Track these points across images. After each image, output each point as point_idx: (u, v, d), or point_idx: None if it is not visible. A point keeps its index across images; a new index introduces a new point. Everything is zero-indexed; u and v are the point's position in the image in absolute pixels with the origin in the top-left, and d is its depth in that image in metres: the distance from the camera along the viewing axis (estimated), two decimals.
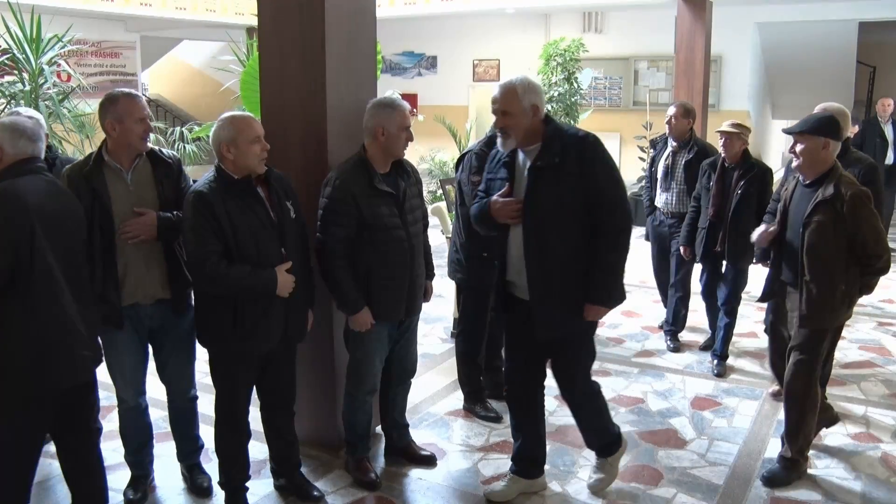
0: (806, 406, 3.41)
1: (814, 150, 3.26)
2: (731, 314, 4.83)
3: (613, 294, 3.09)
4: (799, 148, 3.30)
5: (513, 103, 2.99)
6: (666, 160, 5.22)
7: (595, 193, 2.97)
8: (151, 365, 3.28)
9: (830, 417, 3.87)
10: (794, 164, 3.36)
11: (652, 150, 5.61)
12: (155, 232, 2.97)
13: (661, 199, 5.27)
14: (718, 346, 4.87)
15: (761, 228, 3.62)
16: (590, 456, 3.71)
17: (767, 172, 4.63)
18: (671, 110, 5.19)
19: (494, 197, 3.09)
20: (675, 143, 5.19)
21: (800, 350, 3.39)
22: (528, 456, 3.36)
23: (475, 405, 4.19)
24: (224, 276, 2.80)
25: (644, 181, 5.80)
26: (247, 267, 2.84)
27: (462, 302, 4.20)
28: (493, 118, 3.10)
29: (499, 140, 3.09)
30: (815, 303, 3.28)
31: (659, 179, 5.27)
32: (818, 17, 11.45)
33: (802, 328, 3.35)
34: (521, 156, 3.10)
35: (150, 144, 3.08)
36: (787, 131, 3.42)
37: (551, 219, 2.98)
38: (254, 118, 2.97)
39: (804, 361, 3.37)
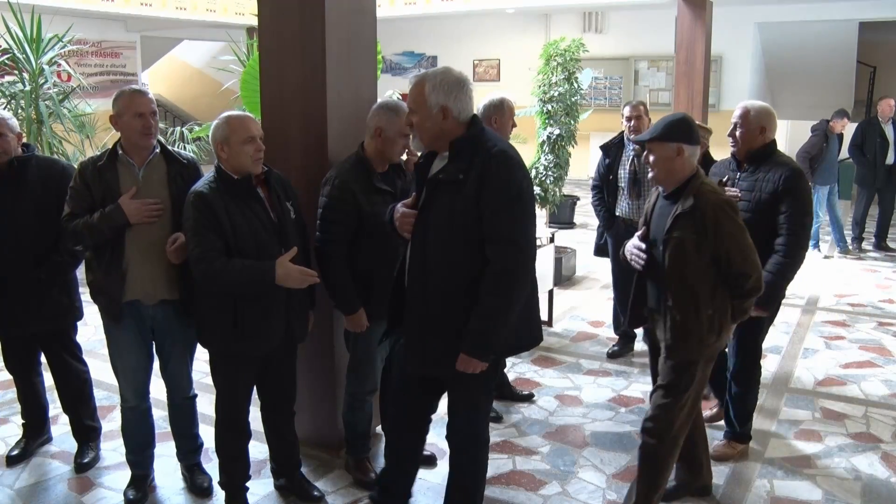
0: (663, 464, 3.01)
1: (666, 159, 2.89)
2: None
3: (490, 345, 2.58)
4: (651, 158, 2.93)
5: (418, 100, 2.61)
6: (630, 164, 4.76)
7: (487, 224, 2.52)
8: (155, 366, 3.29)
9: (701, 486, 3.35)
10: (650, 175, 3.02)
11: (605, 158, 4.93)
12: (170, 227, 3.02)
13: (626, 208, 4.79)
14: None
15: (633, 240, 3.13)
16: (590, 456, 3.71)
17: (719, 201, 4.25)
18: (629, 111, 4.85)
19: (399, 205, 2.81)
20: (637, 146, 4.66)
21: (663, 390, 2.98)
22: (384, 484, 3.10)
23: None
24: (221, 272, 2.80)
25: (593, 192, 5.04)
26: (244, 261, 2.83)
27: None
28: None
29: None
30: (679, 331, 2.88)
31: (624, 187, 4.78)
32: (818, 17, 11.46)
33: (668, 360, 2.95)
34: (436, 162, 2.72)
35: (153, 141, 3.07)
36: (636, 141, 3.14)
37: (440, 240, 2.59)
38: (250, 118, 2.95)
39: (666, 407, 2.95)
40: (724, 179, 3.56)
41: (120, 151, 3.05)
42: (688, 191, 2.87)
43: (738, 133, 3.53)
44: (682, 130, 2.91)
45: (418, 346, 2.70)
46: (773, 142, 3.53)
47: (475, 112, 2.68)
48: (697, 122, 3.80)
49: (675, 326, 2.90)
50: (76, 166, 3.12)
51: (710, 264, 2.84)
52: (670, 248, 2.87)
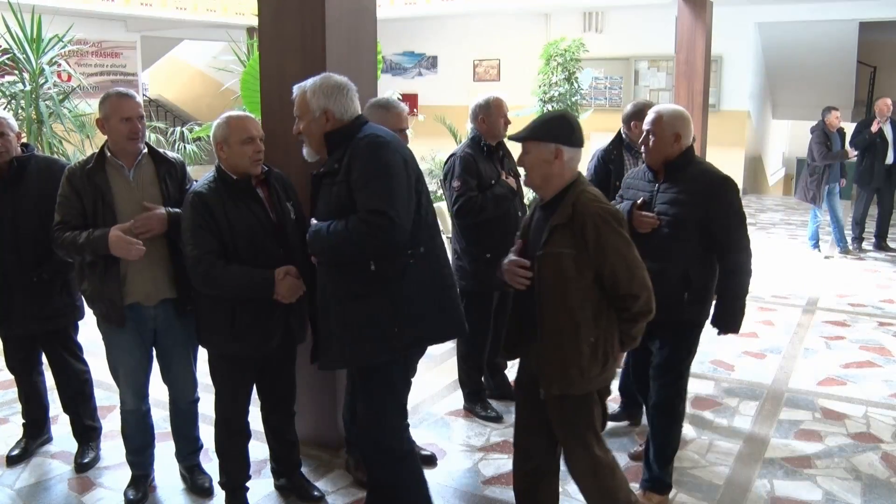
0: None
1: (543, 161, 2.53)
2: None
3: (348, 351, 2.66)
4: (526, 160, 2.59)
5: (301, 107, 2.74)
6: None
7: (357, 199, 2.57)
8: (155, 368, 3.28)
9: None
10: (523, 178, 2.76)
11: (605, 164, 4.26)
12: (165, 227, 2.98)
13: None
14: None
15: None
16: None
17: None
18: (631, 109, 4.25)
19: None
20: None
21: (561, 433, 2.65)
22: None
23: (475, 405, 4.19)
24: (219, 277, 2.80)
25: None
26: (243, 268, 2.82)
27: (465, 304, 4.14)
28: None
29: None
30: (556, 361, 2.53)
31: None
32: (818, 17, 11.46)
33: (548, 396, 2.60)
34: None
35: (141, 145, 3.05)
36: (512, 138, 2.68)
37: None
38: (251, 118, 2.95)
39: (575, 454, 2.66)
40: (639, 201, 3.17)
41: (108, 154, 3.03)
42: (566, 200, 2.52)
43: (650, 141, 3.14)
44: (562, 130, 2.56)
45: (320, 343, 2.80)
46: (690, 149, 3.18)
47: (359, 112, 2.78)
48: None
49: (552, 357, 2.53)
50: (65, 171, 3.08)
51: (593, 284, 2.49)
52: (545, 265, 2.51)
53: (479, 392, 4.21)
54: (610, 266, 2.46)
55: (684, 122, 3.16)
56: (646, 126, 3.16)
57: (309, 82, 2.75)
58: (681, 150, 3.13)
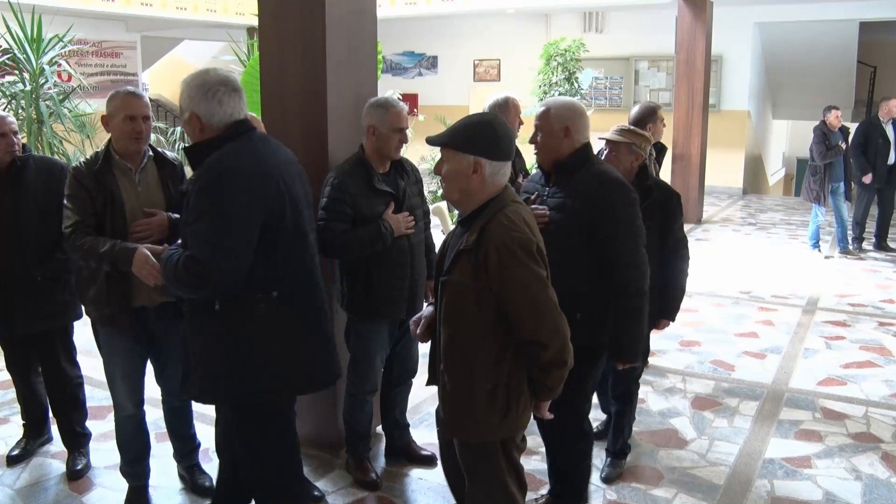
0: None
1: (459, 174, 2.20)
2: (623, 399, 3.52)
3: (200, 384, 2.51)
4: (443, 169, 2.25)
5: (181, 106, 2.51)
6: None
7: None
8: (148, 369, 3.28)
9: None
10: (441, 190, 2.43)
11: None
12: (166, 232, 2.93)
13: None
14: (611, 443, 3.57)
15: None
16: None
17: (672, 199, 3.37)
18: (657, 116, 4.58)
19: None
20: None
21: (468, 482, 2.41)
22: None
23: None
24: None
25: None
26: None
27: None
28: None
29: None
30: (451, 403, 2.27)
31: None
32: (818, 17, 11.47)
33: (455, 437, 2.36)
34: None
35: (143, 146, 2.99)
36: (429, 142, 2.28)
37: None
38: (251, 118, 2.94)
39: (473, 495, 2.41)
40: (533, 196, 2.85)
41: (116, 156, 2.95)
42: (477, 222, 2.17)
43: (538, 138, 2.81)
44: (483, 140, 2.19)
45: (185, 368, 2.62)
46: (585, 146, 2.80)
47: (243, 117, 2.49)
48: (632, 127, 3.27)
49: (447, 398, 2.27)
50: (70, 170, 3.02)
51: (495, 322, 2.14)
52: (446, 294, 2.20)
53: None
54: (514, 305, 2.11)
55: (576, 115, 2.78)
56: (535, 122, 2.84)
57: (187, 77, 2.47)
58: (572, 147, 2.76)
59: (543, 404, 2.34)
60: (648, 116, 4.58)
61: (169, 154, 3.15)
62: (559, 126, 2.76)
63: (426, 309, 2.51)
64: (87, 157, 3.05)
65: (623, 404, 3.52)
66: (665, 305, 3.41)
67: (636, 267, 2.71)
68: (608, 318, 2.75)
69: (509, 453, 2.33)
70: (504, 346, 2.17)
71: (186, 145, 2.58)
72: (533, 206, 2.75)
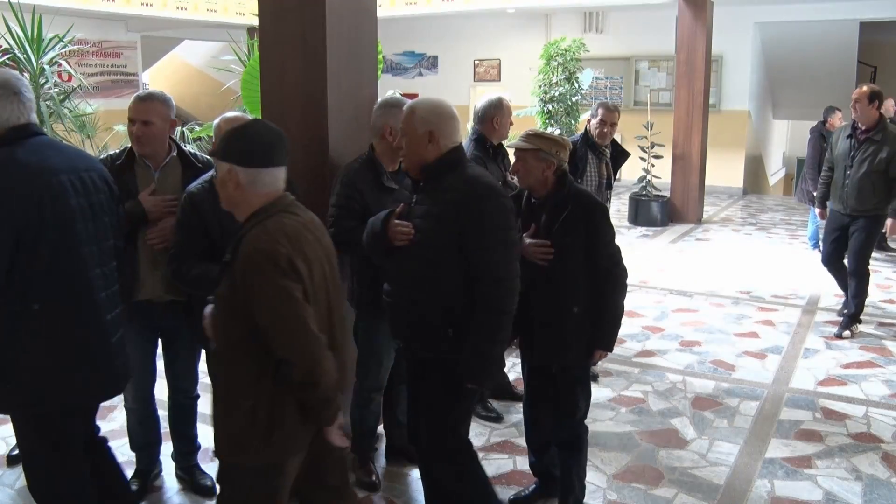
0: None
1: (221, 182, 2.18)
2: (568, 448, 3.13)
3: None
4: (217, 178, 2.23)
5: None
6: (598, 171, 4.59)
7: None
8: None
9: None
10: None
11: (575, 162, 4.39)
12: None
13: None
14: None
15: None
16: (590, 456, 3.70)
17: (594, 212, 2.94)
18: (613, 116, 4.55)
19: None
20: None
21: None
22: None
23: (476, 405, 4.19)
24: (185, 273, 2.82)
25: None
26: (206, 264, 2.78)
27: None
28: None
29: None
30: (213, 422, 2.20)
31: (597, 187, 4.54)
32: (818, 17, 11.47)
33: (217, 457, 2.24)
34: None
35: (145, 149, 3.03)
36: (212, 154, 2.28)
37: None
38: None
39: None
40: (399, 209, 2.72)
41: (137, 153, 3.06)
42: (240, 233, 2.14)
43: (403, 142, 2.66)
44: (234, 147, 2.14)
45: None
46: (454, 151, 2.61)
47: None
48: (540, 132, 2.99)
49: (213, 411, 2.21)
50: None
51: (251, 337, 2.06)
52: (216, 304, 2.17)
53: (480, 392, 4.20)
54: (261, 320, 2.02)
55: (441, 118, 2.60)
56: (400, 123, 2.71)
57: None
58: (438, 152, 2.58)
59: (327, 430, 2.17)
60: (592, 115, 4.64)
61: (201, 158, 3.19)
62: (423, 130, 2.58)
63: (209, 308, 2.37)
64: (115, 152, 3.16)
65: (569, 454, 3.09)
66: (598, 335, 2.99)
67: (504, 282, 2.51)
68: None
69: (273, 482, 2.18)
70: (263, 363, 2.07)
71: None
72: (398, 222, 2.65)
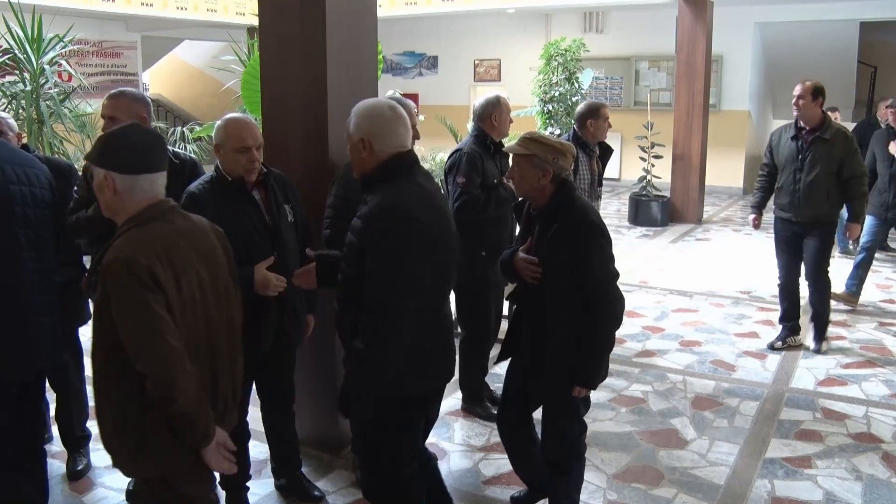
0: None
1: (98, 188, 2.11)
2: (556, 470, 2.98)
3: None
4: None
5: None
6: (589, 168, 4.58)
7: None
8: None
9: None
10: None
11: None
12: None
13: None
14: None
15: None
16: (590, 456, 3.71)
17: (580, 229, 2.68)
18: (584, 109, 4.57)
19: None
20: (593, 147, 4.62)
21: None
22: None
23: (475, 406, 4.19)
24: None
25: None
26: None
27: (464, 304, 4.09)
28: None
29: None
30: (102, 437, 2.11)
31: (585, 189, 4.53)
32: (818, 17, 11.47)
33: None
34: None
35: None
36: (87, 159, 2.21)
37: None
38: (248, 126, 2.90)
39: None
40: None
41: None
42: (111, 240, 2.10)
43: (349, 149, 2.45)
44: (108, 153, 2.08)
45: None
46: (393, 159, 2.35)
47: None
48: (538, 136, 2.76)
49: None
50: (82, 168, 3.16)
51: (119, 347, 1.98)
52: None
53: (478, 393, 4.21)
54: (120, 331, 1.97)
55: (374, 123, 2.35)
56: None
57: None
58: (377, 161, 2.35)
59: (203, 452, 2.09)
60: (590, 115, 4.54)
61: (181, 154, 3.22)
62: (357, 137, 2.37)
63: None
64: None
65: (557, 475, 2.95)
66: (578, 369, 2.73)
67: (378, 314, 2.24)
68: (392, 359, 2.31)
69: (170, 492, 2.13)
70: (130, 374, 1.99)
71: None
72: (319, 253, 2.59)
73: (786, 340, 5.22)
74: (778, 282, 5.24)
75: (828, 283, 5.16)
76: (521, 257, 2.79)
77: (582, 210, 2.72)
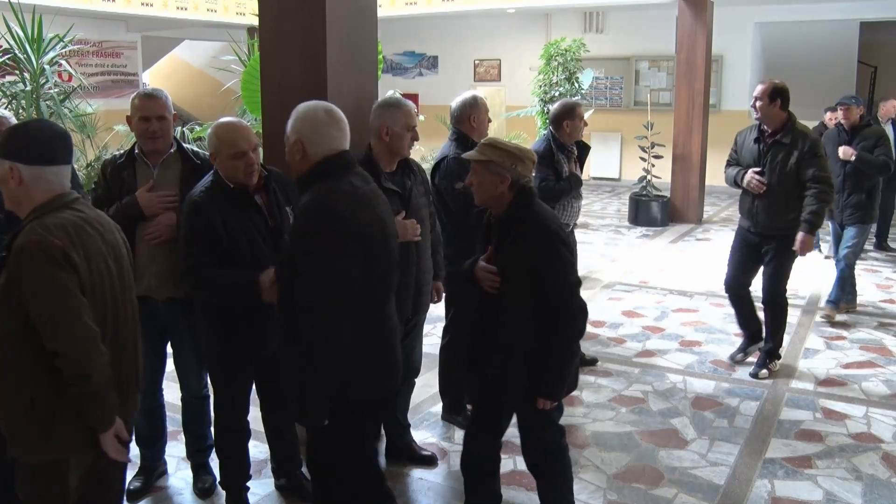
0: None
1: (7, 179, 2.12)
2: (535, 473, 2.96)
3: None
4: None
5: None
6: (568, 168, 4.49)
7: None
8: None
9: None
10: None
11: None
12: (175, 233, 3.00)
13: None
14: None
15: None
16: (591, 456, 3.71)
17: (540, 239, 2.61)
18: (559, 109, 4.47)
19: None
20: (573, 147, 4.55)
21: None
22: None
23: (457, 416, 4.04)
24: (207, 285, 2.83)
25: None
26: (228, 272, 2.80)
27: (452, 312, 3.98)
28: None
29: None
30: (3, 420, 2.14)
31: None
32: (818, 17, 11.48)
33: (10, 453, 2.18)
34: None
35: (159, 144, 3.10)
36: None
37: None
38: (241, 129, 2.88)
39: None
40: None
41: (136, 151, 3.14)
42: (19, 226, 2.12)
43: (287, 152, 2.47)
44: (14, 144, 2.11)
45: None
46: (325, 162, 2.36)
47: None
48: (495, 142, 2.68)
49: None
50: (102, 163, 3.22)
51: (27, 329, 2.03)
52: None
53: (458, 402, 4.06)
54: (33, 311, 2.01)
55: (306, 125, 2.38)
56: None
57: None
58: (309, 164, 2.35)
59: (102, 437, 2.12)
60: (565, 115, 4.45)
61: (200, 153, 3.26)
62: (293, 139, 2.40)
63: None
64: (119, 153, 3.26)
65: (537, 477, 2.90)
66: (540, 381, 2.67)
67: (311, 314, 2.24)
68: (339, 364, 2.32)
69: (64, 478, 2.16)
70: (43, 355, 2.04)
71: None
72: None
73: (747, 351, 4.94)
74: (724, 281, 4.88)
75: (785, 304, 4.77)
76: (480, 266, 2.72)
77: (540, 217, 2.64)
